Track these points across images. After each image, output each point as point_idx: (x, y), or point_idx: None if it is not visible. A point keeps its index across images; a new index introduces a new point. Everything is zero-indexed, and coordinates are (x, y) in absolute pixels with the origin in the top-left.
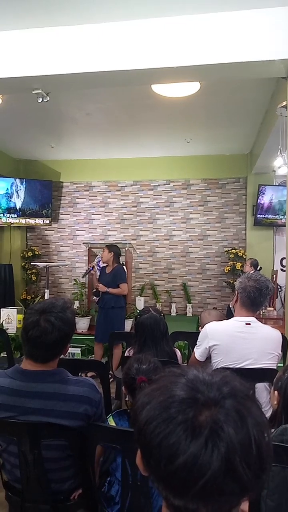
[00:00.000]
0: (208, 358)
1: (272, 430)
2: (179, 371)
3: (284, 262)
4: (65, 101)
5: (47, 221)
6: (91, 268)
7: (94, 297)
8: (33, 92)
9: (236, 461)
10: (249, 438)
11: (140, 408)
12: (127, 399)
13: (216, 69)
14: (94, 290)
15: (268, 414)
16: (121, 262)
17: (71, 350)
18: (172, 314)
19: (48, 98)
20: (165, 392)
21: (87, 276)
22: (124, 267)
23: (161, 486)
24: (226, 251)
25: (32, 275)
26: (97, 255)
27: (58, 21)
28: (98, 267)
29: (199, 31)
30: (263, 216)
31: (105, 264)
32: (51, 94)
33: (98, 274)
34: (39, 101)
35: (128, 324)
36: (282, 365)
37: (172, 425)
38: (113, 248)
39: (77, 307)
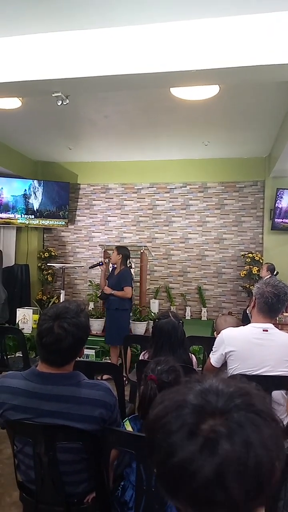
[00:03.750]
0: (224, 364)
1: None
2: (198, 378)
3: None
4: (83, 104)
5: (64, 223)
6: (101, 263)
7: (99, 299)
8: (53, 95)
9: (228, 476)
10: (247, 456)
11: (154, 407)
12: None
13: (235, 72)
14: (100, 294)
15: (284, 423)
16: (128, 265)
17: (85, 351)
18: (186, 318)
19: (67, 101)
20: (178, 396)
21: (94, 268)
22: (132, 270)
23: (159, 482)
24: (242, 255)
25: (48, 276)
26: (109, 256)
27: (78, 25)
28: (110, 267)
29: (218, 34)
30: (281, 220)
31: (115, 266)
32: (70, 97)
33: (108, 273)
34: (59, 104)
35: (142, 327)
36: None
37: (175, 426)
38: (122, 250)
39: (92, 308)
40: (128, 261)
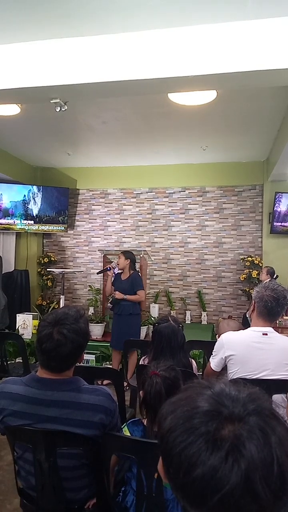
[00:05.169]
0: (224, 368)
1: None
2: (206, 383)
3: None
4: (82, 110)
5: (63, 228)
6: (108, 268)
7: (110, 305)
8: (51, 101)
9: (256, 479)
10: (271, 457)
11: (165, 416)
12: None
13: (233, 77)
14: (110, 300)
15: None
16: (136, 269)
17: (85, 356)
18: (187, 322)
19: (66, 107)
20: (189, 403)
21: (102, 274)
22: (139, 273)
23: (179, 495)
24: (242, 258)
25: (48, 281)
26: (112, 261)
27: (76, 31)
28: (114, 272)
29: (215, 40)
30: (280, 223)
31: (120, 271)
32: (69, 103)
33: (113, 279)
34: (57, 110)
35: (142, 332)
36: None
37: (193, 436)
38: (129, 255)
39: (92, 313)
40: (135, 265)
